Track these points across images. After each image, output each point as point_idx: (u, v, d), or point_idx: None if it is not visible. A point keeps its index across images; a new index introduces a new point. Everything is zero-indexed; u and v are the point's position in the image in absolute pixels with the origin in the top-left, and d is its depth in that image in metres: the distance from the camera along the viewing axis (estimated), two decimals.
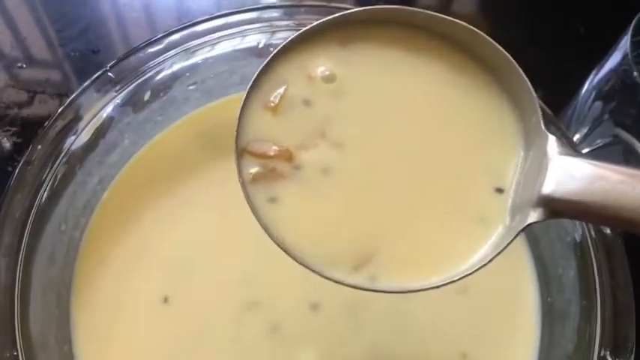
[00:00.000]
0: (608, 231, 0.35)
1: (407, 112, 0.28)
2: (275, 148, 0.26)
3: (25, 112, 0.50)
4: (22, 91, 0.51)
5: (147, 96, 0.40)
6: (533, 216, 0.25)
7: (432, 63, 0.28)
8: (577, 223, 0.35)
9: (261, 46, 0.42)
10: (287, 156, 0.26)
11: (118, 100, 0.38)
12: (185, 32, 0.41)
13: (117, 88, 0.38)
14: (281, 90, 0.27)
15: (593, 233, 0.35)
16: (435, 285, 0.26)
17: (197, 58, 0.41)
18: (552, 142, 0.26)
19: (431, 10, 0.28)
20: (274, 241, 0.26)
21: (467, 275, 0.25)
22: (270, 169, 0.26)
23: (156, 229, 0.39)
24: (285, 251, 0.26)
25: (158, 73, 0.40)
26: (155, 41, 0.40)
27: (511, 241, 0.25)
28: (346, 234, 0.26)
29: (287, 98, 0.27)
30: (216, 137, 0.42)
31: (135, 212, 0.39)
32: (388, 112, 0.28)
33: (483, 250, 0.26)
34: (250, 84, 0.27)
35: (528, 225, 0.25)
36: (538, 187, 0.25)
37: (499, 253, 0.26)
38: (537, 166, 0.26)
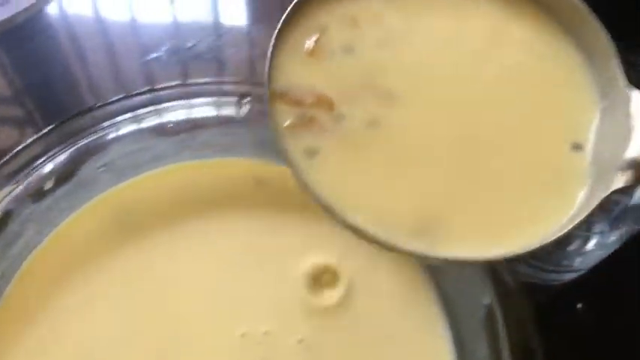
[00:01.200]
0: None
1: (468, 62, 0.25)
2: (314, 94, 0.24)
3: None
4: None
5: (49, 184, 0.38)
6: (619, 181, 0.23)
7: (497, 8, 0.26)
8: (486, 291, 0.35)
9: (170, 125, 0.41)
10: (327, 104, 0.24)
11: (16, 192, 0.37)
12: (91, 114, 0.40)
13: (14, 179, 0.37)
14: (320, 33, 0.25)
15: (502, 302, 0.34)
16: (501, 256, 0.23)
17: (105, 139, 0.40)
18: (637, 100, 0.24)
19: None
20: (315, 200, 0.23)
21: (537, 247, 0.23)
22: (307, 119, 0.24)
23: (62, 324, 0.37)
24: (328, 211, 0.23)
25: (61, 158, 0.39)
26: (56, 127, 0.39)
27: (591, 211, 0.23)
28: (398, 194, 0.24)
29: (327, 42, 0.24)
30: (128, 220, 0.41)
31: (40, 307, 0.37)
32: (446, 61, 0.25)
33: (557, 218, 0.24)
34: (282, 22, 0.24)
35: (612, 192, 0.23)
36: (623, 151, 0.23)
37: (578, 223, 0.23)
38: (619, 126, 0.24)
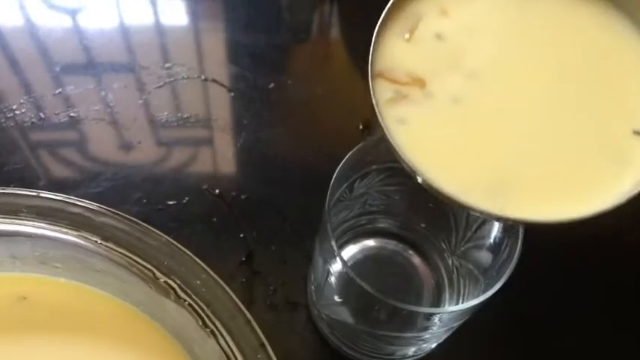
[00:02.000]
0: None
1: (541, 48, 0.28)
2: (409, 75, 0.27)
3: None
4: None
5: None
6: None
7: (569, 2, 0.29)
8: None
9: None
10: (420, 83, 0.27)
11: None
12: None
13: None
14: (415, 22, 0.28)
15: None
16: (558, 220, 0.25)
17: None
18: None
19: None
20: (403, 161, 0.26)
21: (590, 216, 0.25)
22: (403, 95, 0.27)
23: None
24: (414, 171, 0.25)
25: None
26: None
27: None
28: (473, 160, 0.26)
29: (421, 30, 0.28)
30: None
31: None
32: (524, 48, 0.28)
33: (616, 192, 0.26)
34: (385, 11, 0.27)
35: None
36: None
37: (633, 195, 0.25)
38: None
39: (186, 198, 0.47)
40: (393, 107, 0.27)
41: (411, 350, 0.39)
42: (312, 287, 0.40)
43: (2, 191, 0.32)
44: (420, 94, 0.27)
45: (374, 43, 0.27)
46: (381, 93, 0.27)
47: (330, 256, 0.33)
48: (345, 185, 0.38)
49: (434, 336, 0.37)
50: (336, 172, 0.34)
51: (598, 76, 0.28)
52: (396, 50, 0.27)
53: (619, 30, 0.28)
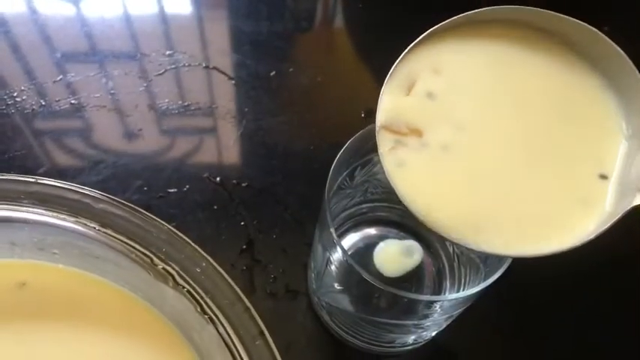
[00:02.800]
0: None
1: (519, 102, 0.31)
2: (408, 126, 0.30)
3: None
4: None
5: None
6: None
7: (540, 55, 0.32)
8: None
9: None
10: (417, 133, 0.30)
11: None
12: None
13: None
14: (412, 80, 0.31)
15: None
16: (533, 254, 0.28)
17: None
18: None
19: None
20: (400, 199, 0.29)
21: (561, 251, 0.27)
22: (402, 144, 0.30)
23: None
24: (412, 212, 0.29)
25: None
26: None
27: (614, 222, 0.27)
28: (459, 202, 0.29)
29: (417, 88, 0.31)
30: None
31: None
32: (503, 102, 0.31)
33: (582, 231, 0.28)
34: (389, 75, 0.30)
35: (633, 207, 0.27)
36: None
37: (599, 233, 0.27)
38: None
39: (187, 186, 0.47)
40: (394, 153, 0.30)
41: (411, 338, 0.39)
42: (312, 275, 0.40)
43: (1, 177, 0.31)
44: (417, 142, 0.30)
45: (380, 100, 0.30)
46: (385, 143, 0.30)
47: (330, 244, 0.33)
48: (345, 173, 0.38)
49: (434, 324, 0.36)
50: (336, 159, 0.34)
51: (569, 126, 0.31)
52: (397, 105, 0.31)
53: (589, 86, 0.31)
